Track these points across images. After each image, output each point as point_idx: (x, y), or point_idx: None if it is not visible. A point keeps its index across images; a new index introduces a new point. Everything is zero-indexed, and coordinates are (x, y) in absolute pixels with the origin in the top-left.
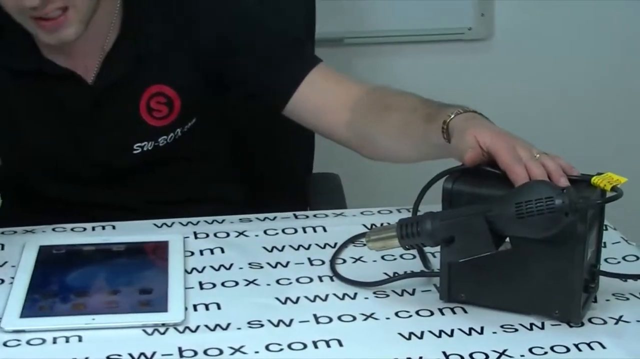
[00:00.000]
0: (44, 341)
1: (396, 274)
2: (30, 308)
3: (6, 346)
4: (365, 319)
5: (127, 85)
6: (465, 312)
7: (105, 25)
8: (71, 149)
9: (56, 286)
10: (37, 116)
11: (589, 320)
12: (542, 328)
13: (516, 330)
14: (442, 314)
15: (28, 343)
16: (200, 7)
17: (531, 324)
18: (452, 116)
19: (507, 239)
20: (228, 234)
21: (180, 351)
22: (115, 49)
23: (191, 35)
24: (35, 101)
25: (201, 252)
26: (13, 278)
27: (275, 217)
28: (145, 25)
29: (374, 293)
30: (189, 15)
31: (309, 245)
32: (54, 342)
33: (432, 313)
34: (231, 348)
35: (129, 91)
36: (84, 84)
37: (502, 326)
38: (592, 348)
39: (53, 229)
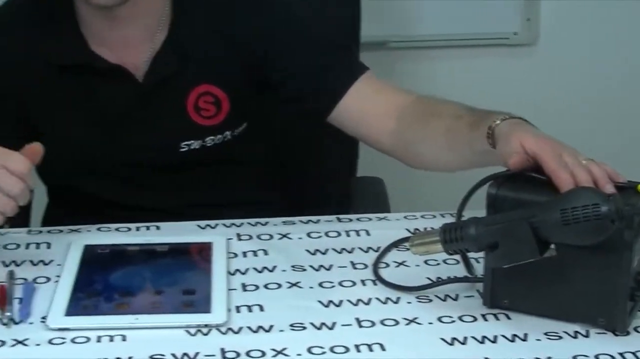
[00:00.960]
0: (88, 339)
1: (439, 279)
2: (75, 307)
3: (51, 343)
4: (408, 324)
5: (176, 83)
6: (509, 318)
7: (154, 22)
8: (115, 147)
9: (100, 285)
10: (81, 112)
11: (635, 329)
12: (587, 336)
13: (560, 338)
14: (485, 320)
15: (73, 341)
16: (246, 9)
17: (575, 332)
18: (498, 122)
19: (552, 246)
20: (271, 237)
21: (223, 352)
22: (164, 47)
23: (236, 37)
24: (79, 97)
25: (244, 254)
26: (59, 276)
27: (318, 220)
28: (194, 24)
29: (417, 297)
30: (235, 16)
31: (352, 248)
32: (98, 341)
33: (475, 319)
34: (273, 350)
35: (177, 89)
36: (133, 80)
37: (546, 334)
38: (637, 357)
39: (98, 229)
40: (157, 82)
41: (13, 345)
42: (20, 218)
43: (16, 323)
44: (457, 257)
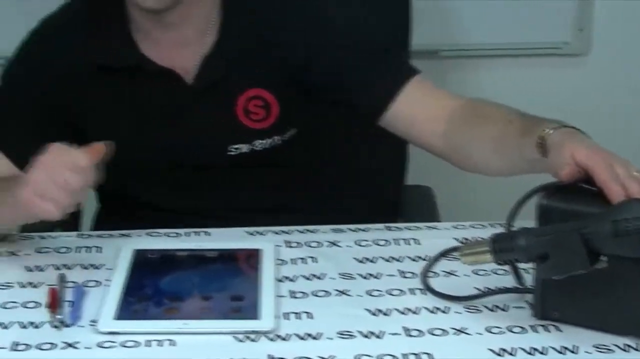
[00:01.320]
0: (137, 343)
1: (488, 290)
2: (125, 311)
3: (101, 347)
4: (456, 334)
5: (226, 86)
6: (559, 330)
7: (204, 25)
8: (164, 149)
9: (150, 289)
10: (130, 114)
11: None
12: (638, 349)
13: (611, 351)
14: (535, 331)
15: (122, 344)
16: (296, 14)
17: (626, 346)
18: (550, 131)
19: (603, 258)
20: (320, 244)
21: None
22: (214, 50)
23: (286, 42)
24: (128, 99)
25: (293, 261)
26: (109, 280)
27: (367, 229)
28: (244, 28)
29: (466, 307)
30: (286, 21)
31: (401, 257)
32: (147, 345)
33: (524, 330)
34: (321, 357)
35: (227, 92)
36: (182, 83)
37: (596, 347)
38: None
39: (148, 234)
40: (207, 85)
41: (63, 348)
42: (72, 222)
43: (67, 326)
44: (507, 267)
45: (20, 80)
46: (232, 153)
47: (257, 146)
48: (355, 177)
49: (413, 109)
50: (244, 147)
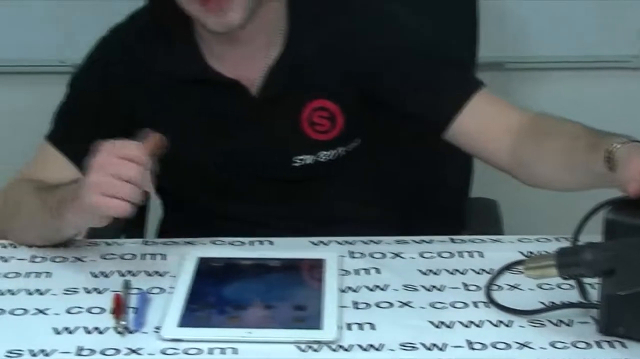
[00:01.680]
0: (200, 351)
1: (553, 304)
2: (189, 318)
3: (164, 353)
4: (520, 348)
5: (290, 97)
6: (625, 347)
7: (270, 38)
8: (229, 158)
9: (214, 297)
10: (196, 124)
11: None
12: None
13: None
14: (600, 347)
15: (185, 352)
16: (363, 25)
17: None
18: (617, 145)
19: None
20: (384, 255)
21: None
22: (279, 61)
23: (353, 52)
24: (194, 109)
25: (356, 271)
26: (173, 287)
27: (431, 241)
28: (310, 38)
29: (530, 321)
30: (353, 32)
31: (465, 270)
32: (210, 353)
33: (589, 346)
34: None
35: (292, 103)
36: (247, 94)
37: None
38: None
39: (212, 242)
40: (271, 96)
41: (127, 354)
42: (137, 229)
43: (130, 332)
44: (572, 282)
45: (86, 86)
46: (296, 164)
47: (322, 157)
48: (420, 189)
49: (479, 124)
50: (309, 159)
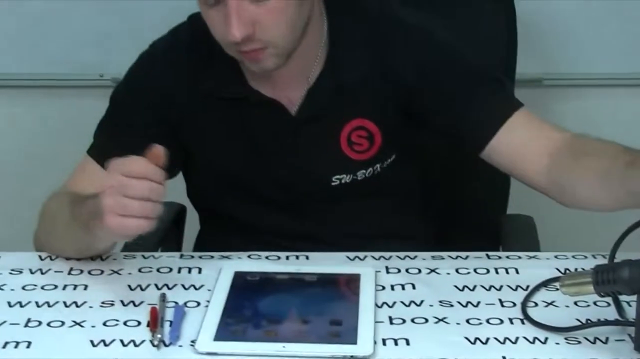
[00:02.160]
0: None
1: (589, 321)
2: (224, 332)
3: None
4: None
5: (329, 117)
6: None
7: (310, 57)
8: (268, 176)
9: (249, 311)
10: (236, 142)
11: None
12: None
13: None
14: None
15: None
16: (402, 41)
17: None
18: None
19: None
20: (420, 271)
21: None
22: (319, 81)
23: (392, 69)
24: (234, 127)
25: (392, 287)
26: (208, 301)
27: (467, 257)
28: (348, 58)
29: (566, 338)
30: (390, 48)
31: (501, 286)
32: None
33: None
34: None
35: (330, 123)
36: (286, 114)
37: None
38: None
39: (248, 256)
40: (310, 116)
41: None
42: (173, 243)
43: (166, 345)
44: (608, 299)
45: (127, 100)
46: (335, 184)
47: (360, 176)
48: (456, 205)
49: (516, 144)
50: (346, 178)
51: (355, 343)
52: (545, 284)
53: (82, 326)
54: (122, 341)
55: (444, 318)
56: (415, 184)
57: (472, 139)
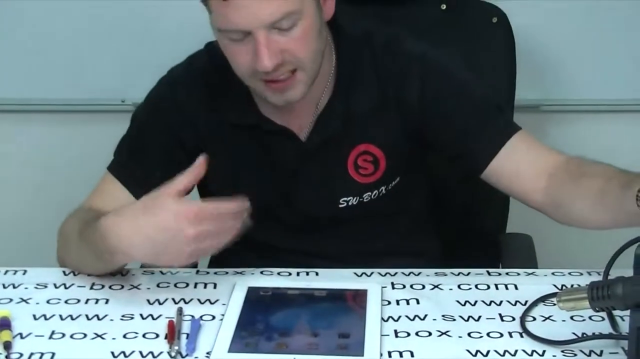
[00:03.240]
0: None
1: (585, 335)
2: (238, 344)
3: None
4: None
5: (337, 143)
6: None
7: (320, 86)
8: (280, 199)
9: (262, 325)
10: (251, 166)
11: None
12: None
13: None
14: None
15: None
16: (408, 71)
17: None
18: None
19: None
20: (423, 287)
21: None
22: (327, 109)
23: (396, 97)
24: (250, 152)
25: (397, 302)
26: (223, 315)
27: (469, 273)
28: (356, 86)
29: (562, 351)
30: (397, 78)
31: (501, 301)
32: None
33: None
34: None
35: (338, 148)
36: (297, 140)
37: None
38: None
39: (261, 272)
40: (319, 142)
41: None
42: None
43: (182, 357)
44: (603, 314)
45: (146, 121)
46: (342, 206)
47: (365, 198)
48: (458, 223)
49: (514, 165)
50: (353, 200)
51: (362, 355)
52: (543, 299)
53: (103, 338)
54: (141, 352)
55: (447, 331)
56: (420, 205)
57: (474, 161)
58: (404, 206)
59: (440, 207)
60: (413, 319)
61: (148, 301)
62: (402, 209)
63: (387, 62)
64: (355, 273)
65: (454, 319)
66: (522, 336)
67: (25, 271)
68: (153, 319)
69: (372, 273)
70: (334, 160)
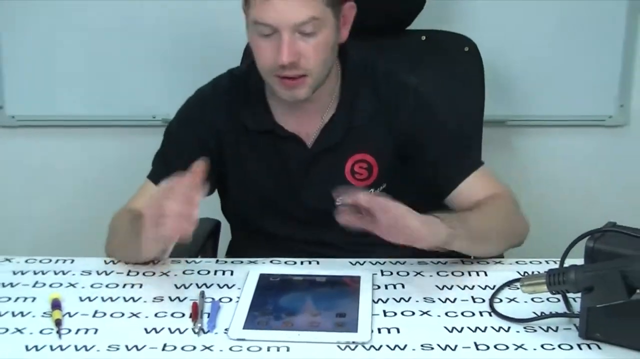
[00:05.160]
0: (260, 348)
1: (543, 314)
2: (251, 322)
3: (231, 350)
4: (516, 349)
5: (337, 150)
6: (600, 348)
7: (326, 100)
8: (288, 196)
9: (271, 306)
10: (264, 166)
11: None
12: None
13: None
14: (580, 349)
15: (248, 349)
16: (402, 99)
17: None
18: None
19: (638, 291)
20: (408, 273)
21: None
22: (331, 121)
23: (391, 117)
24: (263, 155)
25: (386, 286)
26: (239, 297)
27: (446, 262)
28: (357, 102)
29: (524, 327)
30: (391, 99)
31: (473, 286)
32: (268, 350)
33: (571, 347)
34: None
35: (338, 155)
36: (304, 146)
37: None
38: None
39: (271, 261)
40: (322, 149)
41: (202, 350)
42: (210, 250)
43: (205, 333)
44: (559, 296)
45: (178, 133)
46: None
47: None
48: None
49: (468, 198)
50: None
51: (356, 331)
52: (508, 284)
53: (138, 317)
54: (169, 329)
55: (428, 311)
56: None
57: (439, 188)
58: None
59: (418, 209)
60: (399, 301)
61: (175, 285)
62: None
63: (386, 89)
64: (350, 262)
65: (434, 301)
66: (490, 315)
67: (72, 260)
68: (180, 301)
69: (364, 262)
70: (334, 165)
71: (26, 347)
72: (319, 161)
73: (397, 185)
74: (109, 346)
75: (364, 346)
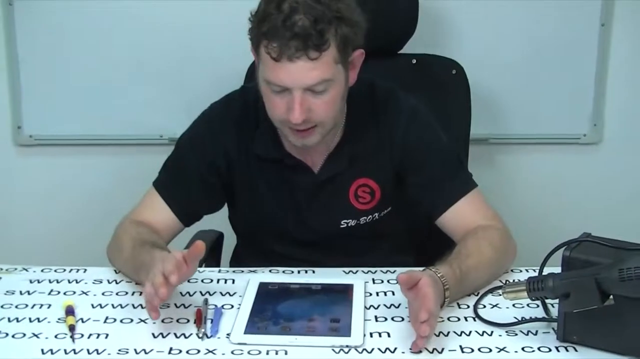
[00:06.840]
0: (259, 352)
1: (523, 319)
2: (251, 327)
3: (233, 354)
4: (499, 352)
5: (342, 177)
6: (576, 350)
7: (332, 135)
8: (294, 219)
9: (270, 312)
10: (273, 192)
11: None
12: None
13: None
14: (558, 351)
15: (249, 353)
16: (399, 117)
17: None
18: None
19: (611, 297)
20: (397, 282)
21: None
22: (336, 150)
23: (392, 144)
24: (272, 181)
25: (377, 293)
26: (240, 304)
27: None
28: (360, 132)
29: (506, 331)
30: (393, 128)
31: None
32: (267, 353)
33: (550, 350)
34: None
35: (342, 181)
36: (311, 173)
37: None
38: None
39: (269, 271)
40: (328, 176)
41: (205, 353)
42: (214, 260)
43: (208, 337)
44: (538, 302)
45: (189, 149)
46: (343, 226)
47: (362, 221)
48: (427, 241)
49: (458, 222)
50: (352, 222)
51: (349, 335)
52: (491, 291)
53: (146, 323)
54: (175, 334)
55: None
56: (406, 230)
57: (431, 210)
58: (392, 229)
59: (415, 230)
60: (389, 308)
61: (180, 293)
62: (391, 231)
63: (385, 115)
64: (343, 271)
65: None
66: (475, 320)
67: (85, 270)
68: (185, 307)
69: (357, 271)
70: (338, 190)
71: (42, 350)
72: (324, 187)
73: (401, 208)
74: (119, 350)
75: (356, 350)
